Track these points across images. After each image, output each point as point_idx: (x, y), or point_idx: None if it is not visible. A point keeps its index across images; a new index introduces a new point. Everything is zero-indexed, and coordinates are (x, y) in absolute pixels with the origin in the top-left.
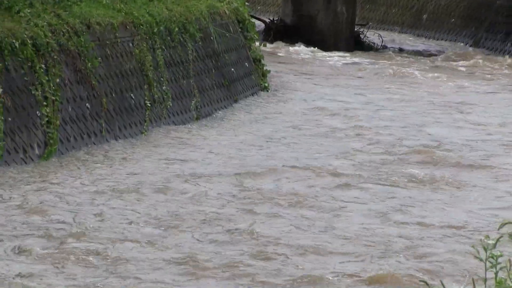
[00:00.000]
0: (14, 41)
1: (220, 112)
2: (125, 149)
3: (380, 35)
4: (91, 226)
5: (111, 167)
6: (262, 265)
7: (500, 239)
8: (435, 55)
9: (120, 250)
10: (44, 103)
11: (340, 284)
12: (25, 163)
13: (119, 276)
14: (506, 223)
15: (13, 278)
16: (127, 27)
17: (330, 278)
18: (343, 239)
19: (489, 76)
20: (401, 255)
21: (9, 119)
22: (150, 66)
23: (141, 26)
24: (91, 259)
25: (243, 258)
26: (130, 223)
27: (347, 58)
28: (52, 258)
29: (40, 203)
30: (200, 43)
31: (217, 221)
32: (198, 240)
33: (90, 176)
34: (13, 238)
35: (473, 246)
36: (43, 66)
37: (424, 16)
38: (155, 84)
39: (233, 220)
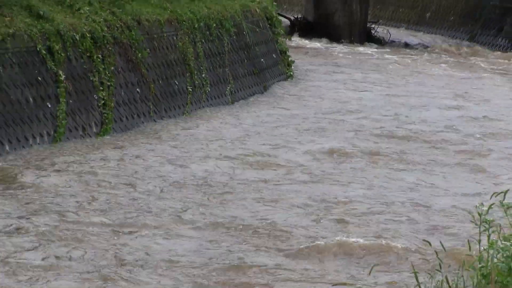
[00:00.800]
0: (75, 34)
1: (251, 96)
2: (170, 128)
3: (388, 31)
4: (148, 189)
5: (158, 143)
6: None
7: (492, 206)
8: (435, 48)
9: (178, 211)
10: (101, 88)
11: (348, 241)
12: (84, 139)
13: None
14: (499, 193)
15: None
16: (172, 23)
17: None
18: (347, 204)
19: (476, 65)
20: (404, 219)
21: (71, 101)
22: (192, 56)
23: (184, 23)
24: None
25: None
26: (182, 186)
27: (361, 50)
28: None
29: (99, 173)
30: (234, 37)
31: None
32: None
33: (140, 150)
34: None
35: (469, 212)
36: (100, 56)
37: (427, 15)
38: (195, 72)
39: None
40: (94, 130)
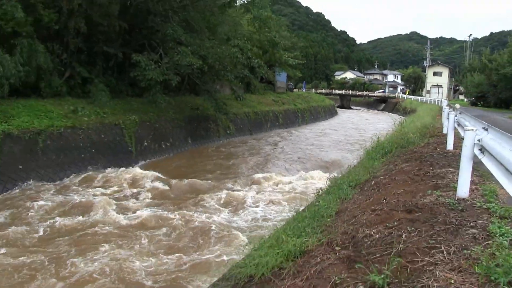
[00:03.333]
0: (293, 110)
1: (328, 119)
2: (289, 131)
3: (355, 107)
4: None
5: (311, 129)
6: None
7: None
8: (364, 110)
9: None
10: (299, 114)
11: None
12: (296, 127)
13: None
14: (377, 132)
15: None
16: (313, 108)
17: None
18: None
19: (371, 113)
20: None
21: (286, 118)
22: (320, 111)
23: (315, 107)
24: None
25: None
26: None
27: (350, 110)
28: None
29: (297, 136)
30: (323, 108)
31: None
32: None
33: (308, 129)
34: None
35: (371, 136)
36: (299, 111)
37: (360, 104)
38: (322, 113)
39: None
40: (297, 125)
